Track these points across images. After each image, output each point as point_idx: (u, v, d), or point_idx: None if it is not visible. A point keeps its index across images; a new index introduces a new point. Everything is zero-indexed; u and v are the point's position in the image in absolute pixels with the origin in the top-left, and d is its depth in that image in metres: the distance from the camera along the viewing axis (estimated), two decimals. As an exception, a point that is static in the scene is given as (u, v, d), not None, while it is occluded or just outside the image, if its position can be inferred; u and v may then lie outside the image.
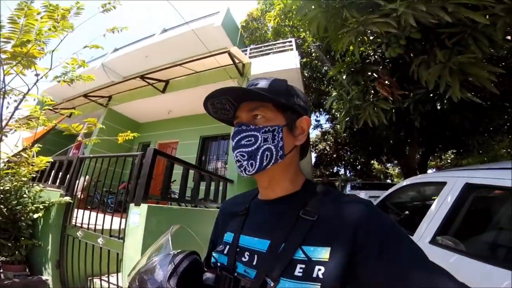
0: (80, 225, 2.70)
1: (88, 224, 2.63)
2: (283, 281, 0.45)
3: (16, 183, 2.49)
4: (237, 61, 5.09)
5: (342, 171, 19.36)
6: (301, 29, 8.48)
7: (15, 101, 2.50)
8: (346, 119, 3.53)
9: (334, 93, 3.51)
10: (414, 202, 2.57)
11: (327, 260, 0.44)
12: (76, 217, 2.82)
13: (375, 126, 3.24)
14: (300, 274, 0.45)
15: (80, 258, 2.53)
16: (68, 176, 3.03)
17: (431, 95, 3.29)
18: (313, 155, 17.40)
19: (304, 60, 9.52)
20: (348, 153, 16.40)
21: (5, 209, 2.32)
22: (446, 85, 1.91)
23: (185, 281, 0.53)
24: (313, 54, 9.30)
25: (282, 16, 8.30)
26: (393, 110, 3.16)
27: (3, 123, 2.40)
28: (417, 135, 6.17)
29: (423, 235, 1.67)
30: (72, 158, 3.10)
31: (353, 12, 1.92)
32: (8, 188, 2.39)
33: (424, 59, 1.98)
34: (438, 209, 1.69)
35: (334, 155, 17.25)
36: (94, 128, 3.36)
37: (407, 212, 2.53)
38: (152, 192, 2.58)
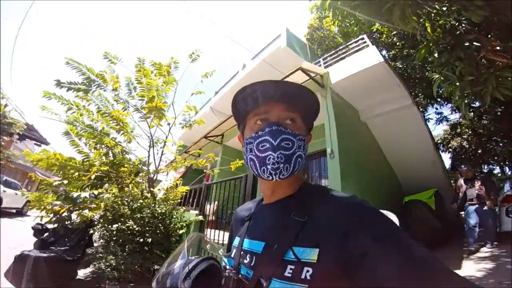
0: (209, 240, 3.31)
1: (213, 240, 3.19)
2: (274, 282, 0.47)
3: (168, 207, 3.37)
4: (312, 74, 5.07)
5: (497, 169, 14.38)
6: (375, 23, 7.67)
7: (161, 148, 3.49)
8: (465, 101, 2.82)
9: (436, 76, 2.95)
10: None
11: (315, 261, 0.44)
12: (206, 234, 3.47)
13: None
14: (290, 275, 0.46)
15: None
16: (200, 200, 3.84)
17: None
18: (446, 156, 13.90)
19: (392, 52, 8.35)
20: (501, 144, 12.16)
21: (162, 227, 3.15)
22: None
23: (203, 283, 0.60)
24: (398, 43, 8.05)
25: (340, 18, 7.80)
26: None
27: (157, 165, 3.40)
28: None
29: None
30: (201, 186, 3.93)
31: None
32: (164, 210, 3.27)
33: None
34: None
35: (479, 151, 13.10)
36: (213, 161, 4.13)
37: None
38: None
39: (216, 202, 3.80)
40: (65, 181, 3.07)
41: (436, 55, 2.72)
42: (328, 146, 4.60)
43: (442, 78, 2.84)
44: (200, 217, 3.42)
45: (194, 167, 4.22)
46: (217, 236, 3.17)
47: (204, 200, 3.69)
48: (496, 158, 13.41)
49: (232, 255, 0.62)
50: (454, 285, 0.36)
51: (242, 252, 0.59)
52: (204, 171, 4.63)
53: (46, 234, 3.38)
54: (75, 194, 3.01)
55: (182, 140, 11.70)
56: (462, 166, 4.81)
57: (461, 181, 4.59)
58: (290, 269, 0.46)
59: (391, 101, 5.28)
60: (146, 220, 3.05)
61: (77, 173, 3.11)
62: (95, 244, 3.69)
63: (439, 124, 12.91)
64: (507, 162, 13.38)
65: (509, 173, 13.40)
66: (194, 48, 3.91)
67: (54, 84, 2.96)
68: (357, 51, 5.32)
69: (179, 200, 3.67)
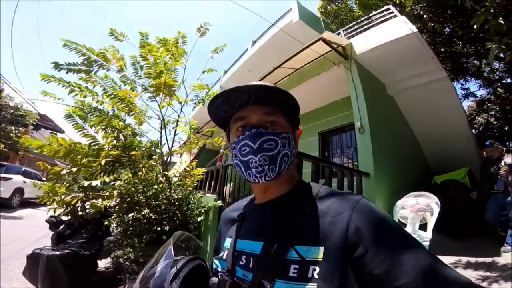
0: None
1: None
2: (278, 283, 0.45)
3: (185, 191, 3.11)
4: (334, 45, 4.62)
5: (526, 147, 13.59)
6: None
7: (173, 128, 3.19)
8: None
9: (493, 45, 2.69)
10: None
11: (321, 259, 0.44)
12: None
13: None
14: (295, 275, 0.44)
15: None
16: (218, 183, 3.56)
17: None
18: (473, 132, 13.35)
19: (417, 25, 7.95)
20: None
21: (180, 214, 2.91)
22: None
23: (191, 285, 0.55)
24: (425, 16, 7.55)
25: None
26: None
27: (170, 146, 3.11)
28: None
29: None
30: (219, 167, 3.65)
31: None
32: (180, 196, 3.01)
33: None
34: None
35: (505, 128, 12.39)
36: (226, 141, 3.84)
37: None
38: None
39: (231, 183, 3.56)
40: (74, 169, 2.84)
41: (501, 20, 2.41)
42: (356, 119, 4.22)
43: (502, 47, 2.53)
44: (220, 202, 3.15)
45: (209, 147, 3.92)
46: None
47: (223, 182, 3.42)
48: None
49: (224, 257, 0.59)
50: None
51: (236, 254, 0.57)
52: (221, 151, 4.36)
53: (61, 227, 3.28)
54: (85, 183, 2.78)
55: (195, 120, 11.61)
56: (487, 143, 4.04)
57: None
58: (295, 268, 0.45)
59: (423, 74, 4.83)
60: (162, 208, 2.81)
61: (85, 159, 2.89)
62: (113, 233, 3.54)
63: (464, 100, 12.41)
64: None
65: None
66: (202, 21, 3.49)
67: (52, 67, 2.71)
68: (382, 22, 4.83)
69: (195, 184, 3.40)
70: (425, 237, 2.97)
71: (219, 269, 0.58)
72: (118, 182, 2.88)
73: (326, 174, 3.22)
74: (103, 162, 2.85)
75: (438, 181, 4.94)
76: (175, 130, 3.24)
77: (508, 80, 10.23)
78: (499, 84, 11.13)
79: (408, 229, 3.16)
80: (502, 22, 2.37)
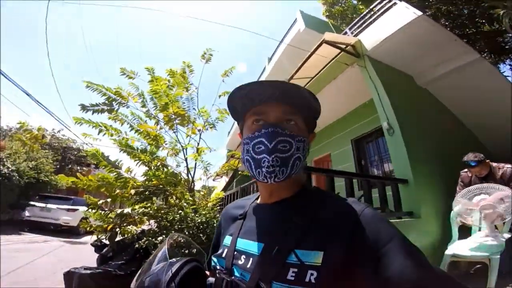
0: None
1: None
2: (275, 285, 0.45)
3: (208, 215, 3.14)
4: (342, 46, 4.38)
5: None
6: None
7: (190, 156, 3.32)
8: None
9: (501, 12, 2.27)
10: None
11: (320, 264, 0.44)
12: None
13: None
14: (293, 278, 0.44)
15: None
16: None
17: None
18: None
19: (429, 12, 7.25)
20: None
21: (204, 237, 2.95)
22: None
23: (187, 286, 0.53)
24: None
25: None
26: None
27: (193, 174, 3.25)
28: None
29: None
30: (237, 190, 3.65)
31: None
32: (203, 220, 3.06)
33: None
34: None
35: None
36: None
37: None
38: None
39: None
40: (108, 200, 3.14)
41: None
42: (382, 120, 3.84)
43: (510, 11, 2.14)
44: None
45: (227, 169, 3.94)
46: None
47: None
48: None
49: (223, 255, 0.59)
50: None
51: (235, 253, 0.56)
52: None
53: (105, 250, 3.57)
54: (118, 211, 3.05)
55: (228, 147, 11.97)
56: (465, 159, 2.93)
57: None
58: (293, 272, 0.45)
59: (452, 59, 4.26)
60: (185, 232, 2.90)
61: (119, 190, 3.17)
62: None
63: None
64: None
65: None
66: (205, 48, 3.61)
67: (79, 109, 3.08)
68: (384, 12, 4.42)
69: (218, 208, 3.43)
70: (502, 239, 2.44)
71: (217, 267, 0.58)
72: (142, 210, 3.07)
73: (347, 188, 2.91)
74: (132, 192, 3.08)
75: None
76: (196, 158, 3.36)
77: None
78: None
79: (481, 234, 2.57)
80: None
